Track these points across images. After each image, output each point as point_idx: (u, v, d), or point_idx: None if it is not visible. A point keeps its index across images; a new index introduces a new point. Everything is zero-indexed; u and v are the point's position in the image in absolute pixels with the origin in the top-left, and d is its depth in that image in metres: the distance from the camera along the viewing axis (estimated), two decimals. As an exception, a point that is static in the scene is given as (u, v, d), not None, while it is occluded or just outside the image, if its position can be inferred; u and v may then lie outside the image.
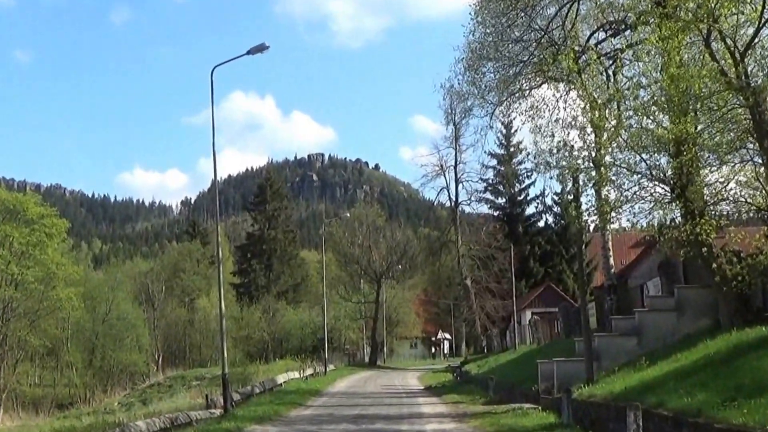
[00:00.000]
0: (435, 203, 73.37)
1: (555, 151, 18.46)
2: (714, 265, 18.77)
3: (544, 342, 43.56)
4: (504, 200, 71.81)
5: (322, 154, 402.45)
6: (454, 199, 65.81)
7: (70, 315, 62.68)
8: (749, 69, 16.07)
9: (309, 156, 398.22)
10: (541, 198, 71.13)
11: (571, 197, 26.68)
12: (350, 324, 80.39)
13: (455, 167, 65.13)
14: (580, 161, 18.42)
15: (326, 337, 58.51)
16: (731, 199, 17.89)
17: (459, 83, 31.19)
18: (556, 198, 67.10)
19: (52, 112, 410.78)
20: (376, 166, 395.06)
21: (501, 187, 71.66)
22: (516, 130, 68.58)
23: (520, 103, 28.80)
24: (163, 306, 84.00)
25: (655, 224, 19.74)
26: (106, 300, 71.37)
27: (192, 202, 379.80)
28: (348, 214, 76.79)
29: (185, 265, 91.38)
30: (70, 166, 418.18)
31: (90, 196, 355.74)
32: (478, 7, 27.83)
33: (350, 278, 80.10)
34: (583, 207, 20.68)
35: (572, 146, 18.42)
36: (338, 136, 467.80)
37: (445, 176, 65.60)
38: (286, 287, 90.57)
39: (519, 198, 71.83)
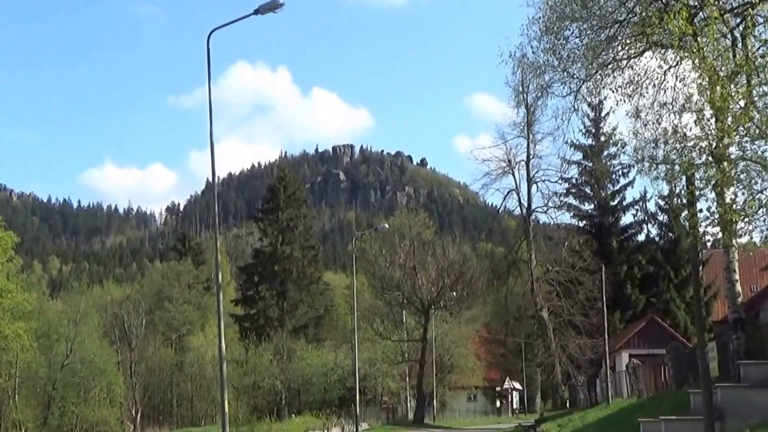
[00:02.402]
0: (501, 210, 73.13)
1: (661, 141, 18.30)
2: None
3: (646, 394, 43.07)
4: (592, 206, 71.29)
5: (352, 146, 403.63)
6: (525, 204, 65.53)
7: (18, 358, 62.84)
8: None
9: (335, 148, 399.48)
10: (641, 203, 70.56)
11: (683, 202, 26.39)
12: (389, 369, 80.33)
13: (527, 163, 64.85)
14: (695, 154, 18.21)
15: (357, 386, 58.45)
16: None
17: (533, 51, 31.06)
18: (662, 203, 66.49)
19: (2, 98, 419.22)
20: (423, 162, 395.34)
21: (588, 190, 71.14)
22: (608, 114, 68.19)
23: (614, 78, 28.64)
24: (142, 345, 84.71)
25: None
26: (66, 338, 71.91)
27: (181, 208, 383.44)
28: (386, 225, 76.61)
29: (172, 292, 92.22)
30: (18, 162, 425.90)
31: (45, 201, 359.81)
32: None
33: (389, 309, 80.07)
34: (700, 215, 20.41)
35: (685, 134, 18.24)
36: (374, 122, 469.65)
37: (514, 175, 65.40)
38: (305, 321, 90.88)
39: (612, 203, 71.26)
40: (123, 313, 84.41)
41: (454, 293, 77.32)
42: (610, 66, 29.02)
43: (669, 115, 18.56)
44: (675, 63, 21.94)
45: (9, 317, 57.43)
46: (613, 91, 28.84)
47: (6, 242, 58.42)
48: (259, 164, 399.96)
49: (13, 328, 56.81)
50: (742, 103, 17.80)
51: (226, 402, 26.82)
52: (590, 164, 69.99)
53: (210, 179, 27.79)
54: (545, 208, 67.19)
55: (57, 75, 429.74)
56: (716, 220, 19.63)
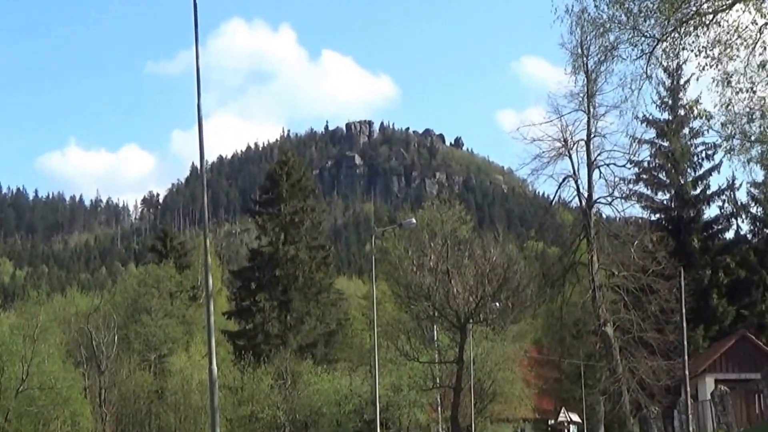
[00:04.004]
0: (554, 201, 72.96)
1: (756, 113, 18.24)
2: None
3: (737, 429, 43.07)
4: (668, 196, 71.20)
5: (370, 123, 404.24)
6: (585, 194, 65.37)
7: None
8: None
9: (349, 126, 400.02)
10: (729, 193, 70.35)
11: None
12: (417, 398, 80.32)
13: (588, 143, 64.66)
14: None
15: (378, 418, 58.58)
16: None
17: (596, 5, 30.98)
18: (755, 192, 66.22)
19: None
20: (457, 142, 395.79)
21: (663, 176, 71.02)
22: (689, 81, 68.03)
23: (696, 37, 28.49)
24: (114, 368, 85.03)
25: None
26: (21, 359, 71.95)
27: (160, 200, 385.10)
28: (412, 220, 76.67)
29: (150, 302, 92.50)
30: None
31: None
32: None
33: (417, 323, 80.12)
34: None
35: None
36: (398, 93, 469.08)
37: (571, 157, 65.20)
38: (313, 338, 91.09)
39: (693, 193, 71.12)
40: (90, 329, 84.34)
41: (497, 304, 77.07)
42: (691, 22, 28.89)
43: (766, 82, 18.48)
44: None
45: None
46: (695, 54, 28.74)
47: None
48: (256, 145, 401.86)
49: None
50: None
51: None
52: (666, 144, 69.91)
53: (197, 164, 27.78)
54: (610, 199, 66.98)
55: (5, 39, 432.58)
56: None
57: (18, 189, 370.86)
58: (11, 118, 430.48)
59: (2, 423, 71.17)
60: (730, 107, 18.78)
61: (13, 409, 71.03)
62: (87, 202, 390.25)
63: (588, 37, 40.78)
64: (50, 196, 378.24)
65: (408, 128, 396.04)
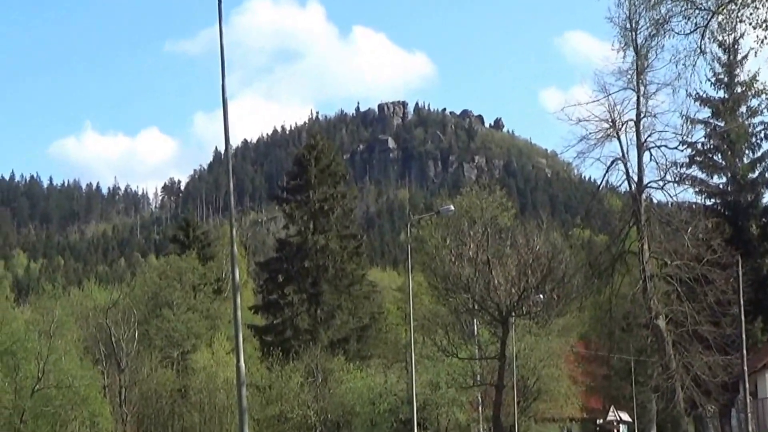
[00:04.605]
0: (601, 186, 72.78)
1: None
2: None
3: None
4: (724, 180, 70.77)
5: (405, 104, 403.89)
6: (635, 178, 65.18)
7: None
8: None
9: (382, 107, 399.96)
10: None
11: None
12: (456, 396, 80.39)
13: (637, 123, 64.50)
14: None
15: (415, 418, 58.66)
16: None
17: (646, -25, 30.87)
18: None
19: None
20: (497, 124, 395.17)
21: (719, 158, 70.58)
22: (746, 57, 67.54)
23: (755, 9, 28.33)
24: (135, 365, 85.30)
25: None
26: (37, 356, 72.22)
27: (182, 187, 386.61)
28: (450, 207, 76.57)
29: (172, 296, 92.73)
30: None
31: (6, 179, 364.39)
32: None
33: (455, 317, 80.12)
34: None
35: None
36: (434, 72, 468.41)
37: (619, 139, 65.08)
38: (345, 333, 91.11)
39: (751, 176, 70.70)
40: (109, 324, 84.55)
41: (541, 296, 77.00)
42: (750, -8, 28.76)
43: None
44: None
45: None
46: (753, 27, 28.59)
47: None
48: (283, 129, 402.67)
49: None
50: None
51: None
52: (721, 124, 69.47)
53: (221, 148, 27.80)
54: (661, 183, 66.85)
55: (18, 19, 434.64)
56: None
57: (31, 176, 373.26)
58: (23, 102, 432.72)
59: (18, 424, 71.49)
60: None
61: (29, 410, 71.15)
62: (104, 190, 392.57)
63: (637, 10, 40.76)
64: (65, 184, 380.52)
65: (444, 109, 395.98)
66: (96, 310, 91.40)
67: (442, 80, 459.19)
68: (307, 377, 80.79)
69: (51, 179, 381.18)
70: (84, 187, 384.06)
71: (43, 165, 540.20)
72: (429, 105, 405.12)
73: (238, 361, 28.54)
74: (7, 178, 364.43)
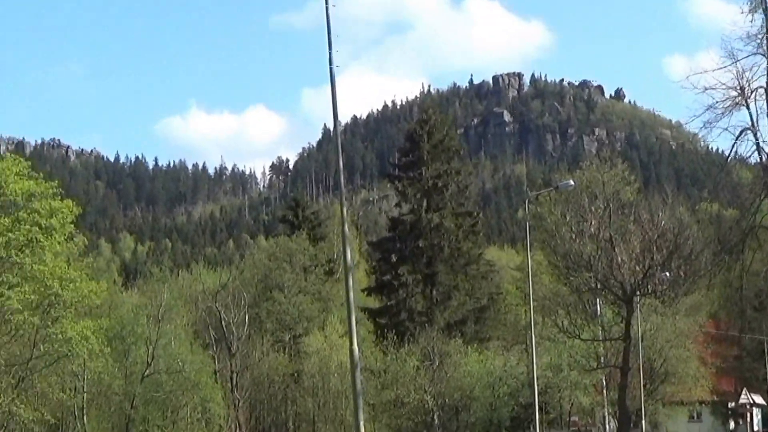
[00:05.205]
0: (730, 158, 72.31)
1: None
2: None
3: None
4: None
5: (520, 75, 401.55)
6: (766, 148, 64.74)
7: (86, 367, 64.89)
8: None
9: (497, 79, 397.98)
10: None
11: None
12: (579, 379, 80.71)
13: (767, 90, 64.12)
14: None
15: (536, 402, 59.18)
16: None
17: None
18: None
19: (45, 27, 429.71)
20: (618, 94, 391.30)
21: None
22: None
23: None
24: (246, 350, 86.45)
25: None
26: (146, 341, 74.14)
27: (290, 166, 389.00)
28: (570, 181, 76.74)
29: (283, 278, 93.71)
30: (75, 110, 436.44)
31: (112, 160, 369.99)
32: None
33: (577, 297, 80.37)
34: None
35: None
36: (551, 40, 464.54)
37: (748, 107, 64.51)
38: (462, 314, 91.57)
39: None
40: (219, 308, 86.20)
41: (667, 274, 77.03)
42: None
43: None
44: None
45: (72, 314, 58.34)
46: None
47: (64, 215, 58.00)
48: (394, 103, 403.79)
49: (78, 328, 57.26)
50: None
51: (361, 424, 27.48)
52: None
53: (330, 125, 28.90)
54: (795, 153, 66.45)
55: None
56: None
57: (137, 158, 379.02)
58: (127, 82, 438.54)
59: (128, 410, 73.12)
60: None
61: (140, 395, 72.97)
62: (211, 170, 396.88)
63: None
64: (171, 165, 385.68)
65: (562, 80, 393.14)
66: (205, 293, 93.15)
67: (560, 49, 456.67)
68: (423, 361, 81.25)
69: (156, 160, 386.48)
70: (190, 167, 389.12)
71: (148, 146, 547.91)
72: (546, 76, 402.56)
73: (351, 344, 28.87)
74: (112, 159, 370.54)
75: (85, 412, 71.71)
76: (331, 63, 28.97)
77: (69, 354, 58.43)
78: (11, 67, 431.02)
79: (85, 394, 70.81)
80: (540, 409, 61.62)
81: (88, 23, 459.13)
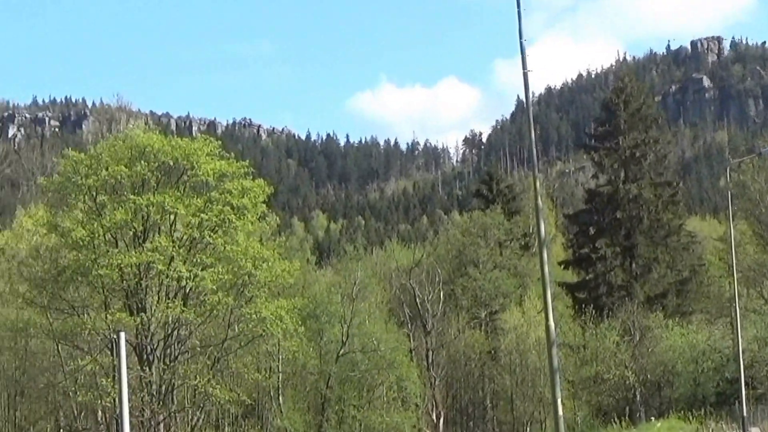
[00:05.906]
0: None
1: None
2: None
3: None
4: None
5: (720, 39, 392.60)
6: None
7: (280, 347, 65.87)
8: None
9: (695, 44, 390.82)
10: None
11: None
12: (787, 352, 78.62)
13: None
14: None
15: (742, 377, 57.68)
16: None
17: None
18: None
19: (236, 8, 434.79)
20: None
21: None
22: None
23: None
24: (441, 327, 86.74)
25: None
26: (341, 320, 74.78)
27: (483, 139, 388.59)
28: (776, 148, 74.74)
29: (478, 254, 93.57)
30: (266, 89, 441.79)
31: (303, 138, 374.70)
32: None
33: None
34: None
35: None
36: (754, 1, 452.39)
37: None
38: (663, 287, 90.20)
39: None
40: (413, 285, 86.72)
41: None
42: None
43: None
44: None
45: (266, 294, 59.19)
46: None
47: (256, 194, 59.43)
48: (588, 72, 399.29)
49: (272, 308, 57.93)
50: None
51: (559, 401, 27.22)
52: None
53: (523, 97, 28.24)
54: None
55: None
56: None
57: (328, 135, 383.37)
58: (316, 60, 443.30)
59: (324, 390, 73.79)
60: None
61: (335, 375, 73.75)
62: (403, 146, 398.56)
63: None
64: (363, 141, 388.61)
65: (765, 42, 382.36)
66: (399, 270, 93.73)
67: (763, 11, 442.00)
68: (623, 336, 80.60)
69: (347, 137, 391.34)
70: (382, 143, 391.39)
71: (339, 122, 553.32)
72: (747, 39, 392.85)
73: (547, 320, 28.83)
74: (303, 137, 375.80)
75: (281, 392, 72.84)
76: (521, 36, 28.53)
77: (263, 334, 59.37)
78: (205, 47, 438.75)
79: (280, 374, 72.17)
80: (746, 384, 59.88)
81: (278, 2, 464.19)
